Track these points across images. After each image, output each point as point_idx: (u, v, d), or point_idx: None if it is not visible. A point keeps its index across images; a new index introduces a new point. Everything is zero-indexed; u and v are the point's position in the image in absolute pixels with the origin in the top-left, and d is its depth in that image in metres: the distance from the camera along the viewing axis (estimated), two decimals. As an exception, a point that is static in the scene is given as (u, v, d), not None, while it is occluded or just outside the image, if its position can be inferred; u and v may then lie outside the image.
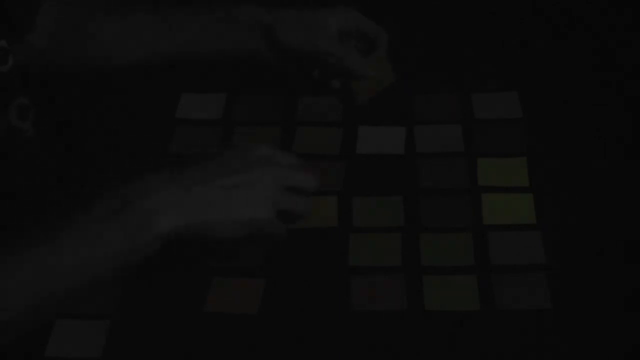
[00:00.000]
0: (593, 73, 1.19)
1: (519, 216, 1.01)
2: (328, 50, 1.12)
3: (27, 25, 1.08)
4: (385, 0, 1.26)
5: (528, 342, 0.90)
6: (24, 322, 0.85)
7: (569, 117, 1.13)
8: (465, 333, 0.91)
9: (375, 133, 1.13)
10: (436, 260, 0.98)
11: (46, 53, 1.11)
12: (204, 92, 1.20)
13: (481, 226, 1.01)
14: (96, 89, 1.18)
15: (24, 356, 0.90)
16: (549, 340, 0.90)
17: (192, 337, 0.91)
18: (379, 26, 1.14)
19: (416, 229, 1.01)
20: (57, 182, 1.06)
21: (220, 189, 0.89)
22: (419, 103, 1.17)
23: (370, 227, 1.01)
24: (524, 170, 1.07)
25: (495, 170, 1.07)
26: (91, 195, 0.87)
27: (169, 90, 1.20)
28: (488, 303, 0.93)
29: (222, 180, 0.89)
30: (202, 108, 1.18)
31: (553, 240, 0.99)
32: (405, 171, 1.08)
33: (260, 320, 0.93)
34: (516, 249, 0.98)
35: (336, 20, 1.12)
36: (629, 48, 1.22)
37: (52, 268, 0.84)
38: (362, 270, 0.97)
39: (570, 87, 1.17)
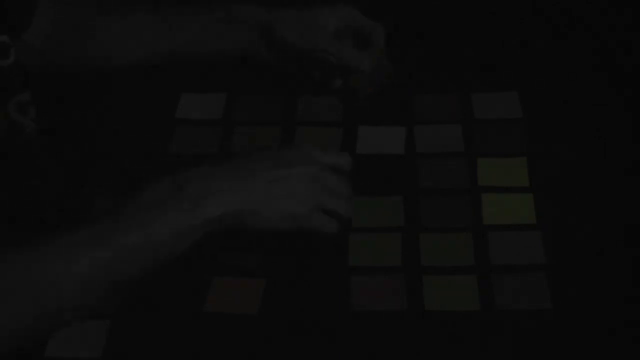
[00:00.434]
0: (593, 73, 1.19)
1: (519, 216, 1.01)
2: (326, 48, 1.12)
3: (24, 24, 1.08)
4: (386, 0, 1.26)
5: (528, 342, 0.90)
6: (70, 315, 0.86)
7: (569, 117, 1.13)
8: (465, 333, 0.91)
9: (375, 133, 1.13)
10: (436, 260, 0.98)
11: (46, 53, 1.11)
12: (204, 92, 1.20)
13: (481, 226, 1.01)
14: (96, 88, 1.18)
15: (24, 356, 0.90)
16: (549, 340, 0.90)
17: (192, 337, 0.91)
18: (377, 22, 1.15)
19: (416, 229, 1.01)
20: (56, 179, 1.06)
21: (264, 180, 0.91)
22: (419, 103, 1.17)
23: (370, 227, 1.01)
24: (524, 170, 1.07)
25: (495, 170, 1.07)
26: (139, 183, 0.89)
27: (169, 90, 1.20)
28: (488, 303, 0.93)
29: (268, 173, 0.92)
30: (202, 108, 1.18)
31: (553, 240, 0.99)
32: (405, 171, 1.08)
33: (260, 320, 0.93)
34: (516, 249, 0.98)
35: (334, 18, 1.12)
36: (629, 48, 1.22)
37: (98, 260, 0.85)
38: (362, 270, 0.97)
39: (570, 87, 1.17)
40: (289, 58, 1.14)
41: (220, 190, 0.89)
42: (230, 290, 0.96)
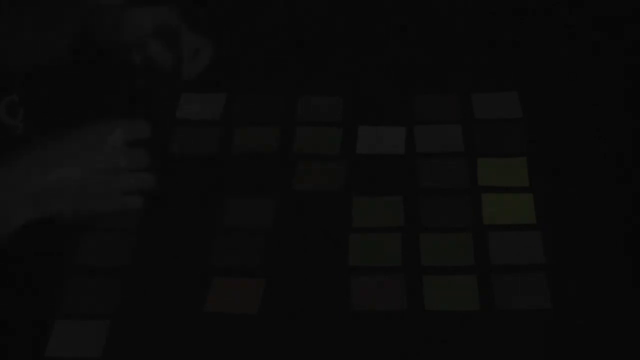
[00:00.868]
0: (593, 73, 1.19)
1: (519, 216, 1.01)
2: (131, 47, 1.11)
3: None
4: (386, 0, 1.26)
5: (528, 342, 0.90)
6: None
7: (569, 117, 1.13)
8: (465, 333, 0.91)
9: (375, 133, 1.13)
10: (436, 260, 0.98)
11: None
12: (204, 92, 1.20)
13: (481, 226, 1.01)
14: (96, 88, 1.18)
15: (24, 356, 0.90)
16: (549, 340, 0.90)
17: (192, 337, 0.91)
18: (205, 38, 1.14)
19: (416, 229, 1.01)
20: None
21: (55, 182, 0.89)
22: (419, 103, 1.17)
23: (370, 227, 1.01)
24: (524, 170, 1.07)
25: (495, 170, 1.07)
26: None
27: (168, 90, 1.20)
28: (488, 303, 0.93)
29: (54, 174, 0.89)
30: (202, 108, 1.18)
31: (553, 240, 0.99)
32: (405, 171, 1.08)
33: (260, 320, 0.93)
34: (516, 249, 0.98)
35: (149, 17, 1.11)
36: (629, 48, 1.22)
37: None
38: (362, 270, 0.97)
39: (570, 87, 1.17)
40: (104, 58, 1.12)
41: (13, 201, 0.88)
42: (230, 290, 0.96)
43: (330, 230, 1.01)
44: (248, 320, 0.93)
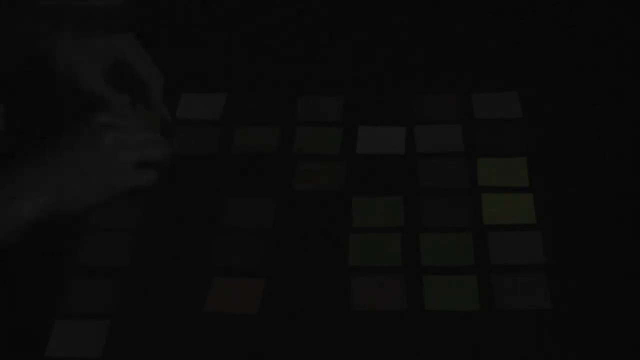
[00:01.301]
0: (593, 73, 1.19)
1: (519, 216, 1.01)
2: (92, 91, 1.02)
3: None
4: (387, 0, 1.26)
5: (528, 342, 0.90)
6: None
7: (569, 117, 1.13)
8: (465, 333, 0.91)
9: (375, 133, 1.13)
10: (436, 260, 0.98)
11: None
12: (204, 92, 1.20)
13: (481, 226, 1.01)
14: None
15: (24, 356, 0.90)
16: (549, 340, 0.90)
17: (192, 337, 0.91)
18: (155, 68, 1.05)
19: (416, 229, 1.01)
20: None
21: (68, 166, 0.89)
22: (419, 103, 1.17)
23: (370, 227, 1.01)
24: (524, 170, 1.07)
25: (495, 170, 1.07)
26: None
27: (169, 90, 1.19)
28: (488, 303, 0.93)
29: (67, 158, 0.89)
30: (202, 108, 1.18)
31: (553, 240, 0.99)
32: (405, 171, 1.08)
33: (260, 320, 0.93)
34: (516, 249, 0.98)
35: (108, 50, 1.03)
36: (630, 48, 1.22)
37: None
38: (362, 270, 0.97)
39: (570, 87, 1.17)
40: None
41: (29, 189, 0.87)
42: (230, 290, 0.96)
43: (330, 230, 1.01)
44: (248, 320, 0.93)
